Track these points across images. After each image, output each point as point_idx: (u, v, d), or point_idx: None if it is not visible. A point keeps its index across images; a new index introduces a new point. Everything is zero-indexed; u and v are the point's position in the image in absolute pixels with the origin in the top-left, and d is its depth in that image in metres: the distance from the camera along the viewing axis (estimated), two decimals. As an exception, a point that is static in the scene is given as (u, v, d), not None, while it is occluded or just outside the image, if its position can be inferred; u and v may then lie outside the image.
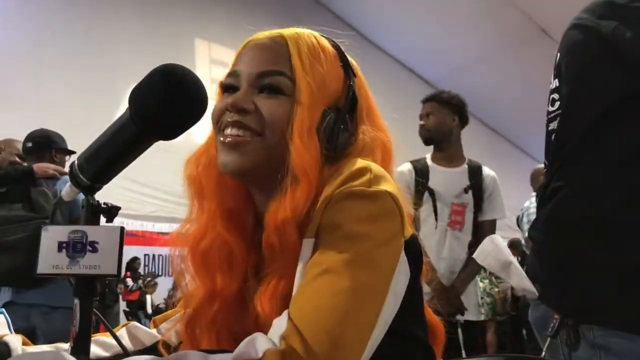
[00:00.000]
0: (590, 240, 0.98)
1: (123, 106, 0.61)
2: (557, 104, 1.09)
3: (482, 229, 2.62)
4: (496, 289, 5.48)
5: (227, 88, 0.79)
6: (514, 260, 1.26)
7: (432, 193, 2.60)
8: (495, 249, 1.31)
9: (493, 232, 2.55)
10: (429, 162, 2.66)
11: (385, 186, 0.68)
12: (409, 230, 0.72)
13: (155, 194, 6.56)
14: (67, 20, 6.51)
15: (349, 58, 0.83)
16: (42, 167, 2.71)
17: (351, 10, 8.80)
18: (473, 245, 2.52)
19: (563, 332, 1.01)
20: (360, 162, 0.71)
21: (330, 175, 0.72)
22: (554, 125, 1.09)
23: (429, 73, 9.82)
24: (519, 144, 10.90)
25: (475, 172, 2.67)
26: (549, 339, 1.04)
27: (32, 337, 2.43)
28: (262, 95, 0.76)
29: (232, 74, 0.79)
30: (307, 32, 0.81)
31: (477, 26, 8.07)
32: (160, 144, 0.64)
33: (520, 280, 1.19)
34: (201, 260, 0.79)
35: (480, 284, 5.60)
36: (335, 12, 8.81)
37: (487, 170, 2.73)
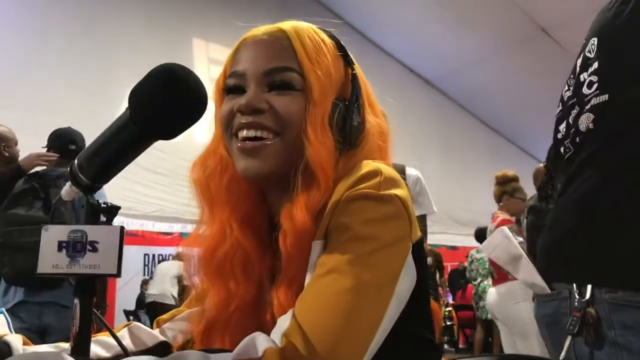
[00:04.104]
0: None
1: (122, 106, 0.61)
2: (596, 85, 1.08)
3: None
4: None
5: (231, 90, 0.77)
6: (524, 254, 1.25)
7: None
8: (505, 241, 1.30)
9: (425, 228, 2.78)
10: None
11: (395, 190, 0.68)
12: (417, 234, 0.71)
13: (156, 194, 6.56)
14: (66, 21, 6.52)
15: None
16: (28, 163, 2.73)
17: (351, 10, 8.80)
18: None
19: (583, 330, 0.99)
20: (371, 165, 0.71)
21: (345, 171, 0.71)
22: (587, 106, 1.08)
23: (429, 73, 9.83)
24: (519, 143, 10.90)
25: (399, 173, 2.80)
26: (569, 338, 1.02)
27: (44, 334, 2.48)
28: (272, 93, 0.74)
29: (235, 74, 0.76)
30: (305, 25, 0.80)
31: (477, 26, 8.07)
32: (160, 144, 0.64)
33: (529, 274, 1.17)
34: (215, 269, 0.78)
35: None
36: (335, 11, 8.81)
37: (410, 170, 2.85)
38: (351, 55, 0.82)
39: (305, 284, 0.66)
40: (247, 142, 0.73)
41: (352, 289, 0.60)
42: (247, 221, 0.79)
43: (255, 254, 0.77)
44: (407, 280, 0.66)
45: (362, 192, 0.67)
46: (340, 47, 0.81)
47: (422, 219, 2.82)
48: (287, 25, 0.79)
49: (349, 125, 0.75)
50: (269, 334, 0.61)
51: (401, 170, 2.80)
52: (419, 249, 0.71)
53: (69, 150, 2.80)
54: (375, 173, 0.69)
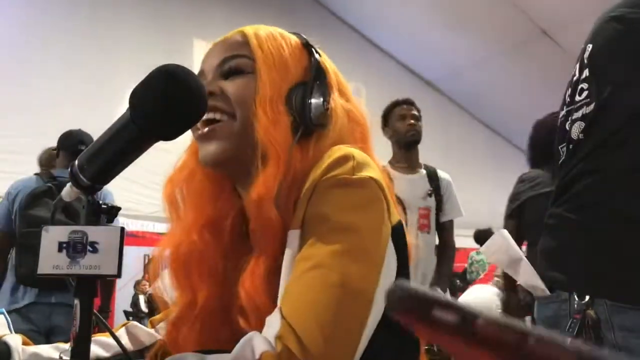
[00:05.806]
0: None
1: (123, 106, 0.61)
2: (586, 93, 1.09)
3: (445, 230, 2.83)
4: None
5: None
6: (524, 257, 1.25)
7: (400, 201, 2.70)
8: (506, 244, 1.30)
9: (452, 231, 2.85)
10: (390, 170, 2.73)
11: (369, 172, 0.68)
12: (395, 217, 0.71)
13: (156, 194, 6.53)
14: (67, 21, 6.51)
15: (316, 47, 0.83)
16: None
17: (351, 10, 8.80)
18: (437, 247, 2.81)
19: (582, 332, 0.99)
20: (343, 149, 0.70)
21: (316, 153, 0.72)
22: (578, 114, 1.10)
23: (429, 73, 9.82)
24: (519, 144, 10.89)
25: (433, 177, 2.88)
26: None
27: (51, 334, 2.51)
28: (227, 80, 0.78)
29: (198, 74, 0.80)
30: (269, 27, 0.83)
31: (477, 26, 8.07)
32: (160, 144, 0.64)
33: (530, 277, 1.17)
34: (181, 269, 0.80)
35: None
36: (335, 12, 8.81)
37: (442, 174, 2.92)
38: (320, 51, 0.83)
39: (283, 271, 0.66)
40: (205, 127, 0.76)
41: (340, 283, 0.60)
42: (214, 225, 0.80)
43: (211, 255, 0.79)
44: (390, 266, 0.67)
45: (337, 178, 0.66)
46: (306, 44, 0.82)
47: (452, 223, 2.90)
48: (249, 26, 0.82)
49: (307, 105, 0.75)
50: (239, 332, 0.61)
51: (433, 173, 2.88)
52: (398, 233, 0.70)
53: (78, 151, 2.79)
54: (346, 157, 0.68)
